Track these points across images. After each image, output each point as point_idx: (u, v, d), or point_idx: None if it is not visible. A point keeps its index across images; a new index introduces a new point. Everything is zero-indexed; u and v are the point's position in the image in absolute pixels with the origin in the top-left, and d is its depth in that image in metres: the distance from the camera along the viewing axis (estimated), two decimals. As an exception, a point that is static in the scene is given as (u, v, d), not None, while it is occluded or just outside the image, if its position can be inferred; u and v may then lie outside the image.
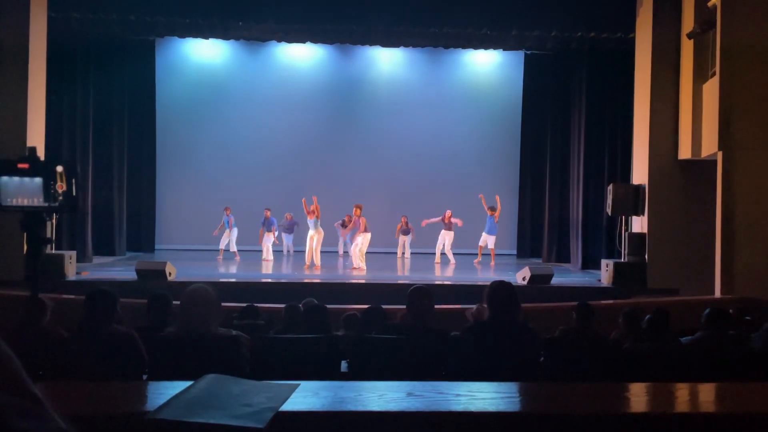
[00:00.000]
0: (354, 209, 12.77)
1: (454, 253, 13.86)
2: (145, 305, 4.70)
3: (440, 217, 13.80)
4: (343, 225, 14.17)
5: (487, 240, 13.69)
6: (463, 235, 14.26)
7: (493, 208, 13.56)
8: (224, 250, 13.88)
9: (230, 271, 12.43)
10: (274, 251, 13.80)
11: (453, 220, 13.68)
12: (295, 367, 3.77)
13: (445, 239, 13.80)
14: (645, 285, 10.27)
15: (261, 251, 13.69)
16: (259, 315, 5.63)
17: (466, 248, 14.41)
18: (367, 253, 12.79)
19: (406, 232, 14.33)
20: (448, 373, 3.68)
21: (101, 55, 13.56)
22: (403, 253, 14.38)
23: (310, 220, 12.90)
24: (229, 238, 13.87)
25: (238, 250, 13.87)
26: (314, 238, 12.73)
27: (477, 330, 3.81)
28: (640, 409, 1.72)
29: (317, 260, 12.71)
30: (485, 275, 12.10)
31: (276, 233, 13.80)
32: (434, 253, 13.99)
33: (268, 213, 13.71)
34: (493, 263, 13.59)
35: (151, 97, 15.06)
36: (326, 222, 13.60)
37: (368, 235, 12.64)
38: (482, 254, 13.99)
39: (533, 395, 1.81)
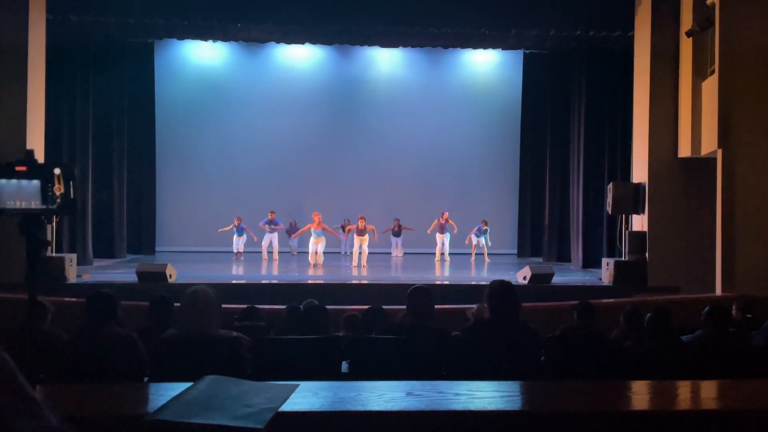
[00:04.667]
0: (360, 221, 12.99)
1: (452, 253, 14.03)
2: (145, 307, 4.70)
3: (436, 221, 14.03)
4: (343, 228, 14.32)
5: (477, 239, 14.05)
6: (461, 234, 14.34)
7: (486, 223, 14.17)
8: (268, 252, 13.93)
9: (231, 273, 12.43)
10: (279, 252, 14.01)
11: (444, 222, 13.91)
12: (295, 369, 3.76)
13: (443, 239, 13.97)
14: (646, 283, 10.26)
15: (261, 252, 13.96)
16: (259, 316, 5.62)
17: (465, 248, 14.45)
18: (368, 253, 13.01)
19: (397, 234, 14.39)
20: (448, 372, 3.67)
21: (100, 58, 13.56)
22: (397, 255, 14.46)
23: (315, 230, 13.03)
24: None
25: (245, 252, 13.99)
26: (318, 243, 12.94)
27: (477, 329, 3.81)
28: (641, 407, 1.71)
29: (320, 260, 12.90)
30: (485, 275, 12.12)
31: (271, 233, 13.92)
32: (432, 253, 14.13)
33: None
34: (486, 260, 13.90)
35: (151, 99, 15.06)
36: (328, 224, 13.70)
37: (362, 236, 12.89)
38: (476, 253, 14.16)
39: (533, 394, 1.80)
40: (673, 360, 4.04)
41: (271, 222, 13.83)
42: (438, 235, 14.07)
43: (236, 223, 13.88)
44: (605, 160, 13.46)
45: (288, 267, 13.14)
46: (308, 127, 15.73)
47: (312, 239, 13.07)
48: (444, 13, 11.50)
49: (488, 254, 14.13)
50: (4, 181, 1.42)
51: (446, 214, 14.02)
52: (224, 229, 13.96)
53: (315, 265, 12.82)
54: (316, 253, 12.95)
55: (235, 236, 13.94)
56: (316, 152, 15.76)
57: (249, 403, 1.43)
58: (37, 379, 2.81)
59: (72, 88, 13.12)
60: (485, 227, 14.13)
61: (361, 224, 12.98)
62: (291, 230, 14.50)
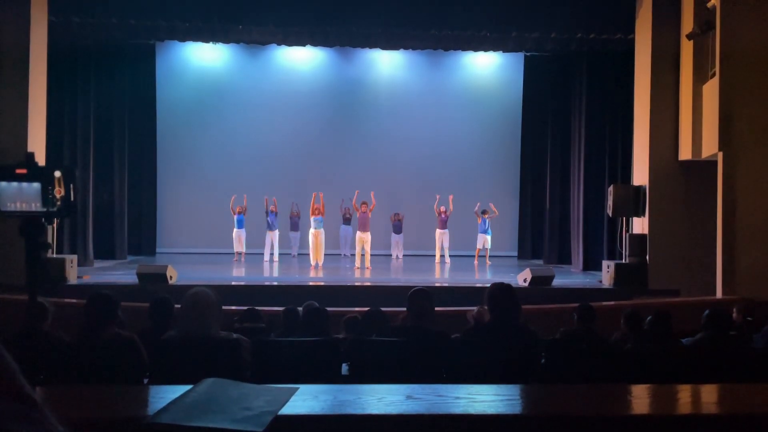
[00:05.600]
0: (363, 205, 12.98)
1: (452, 255, 13.98)
2: (146, 309, 4.70)
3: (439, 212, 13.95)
4: (346, 221, 14.16)
5: (486, 240, 13.88)
6: (462, 236, 14.33)
7: (486, 212, 13.92)
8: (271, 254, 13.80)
9: (231, 275, 12.43)
10: (279, 254, 13.98)
11: (444, 212, 13.83)
12: (295, 371, 3.76)
13: (443, 239, 13.90)
14: (646, 286, 10.26)
15: (262, 254, 13.90)
16: (259, 318, 5.62)
17: (465, 250, 14.45)
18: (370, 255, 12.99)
19: (398, 230, 14.25)
20: (449, 375, 3.67)
21: (102, 59, 13.58)
22: (397, 255, 14.41)
23: (315, 218, 12.99)
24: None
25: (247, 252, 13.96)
26: (317, 236, 12.90)
27: (478, 332, 3.81)
28: (641, 411, 1.71)
29: (320, 260, 12.89)
30: (485, 277, 12.11)
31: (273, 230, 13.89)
32: (433, 255, 14.10)
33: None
34: (488, 263, 13.82)
35: (152, 101, 15.07)
36: (329, 222, 13.68)
37: (364, 235, 12.83)
38: (479, 255, 14.14)
39: (533, 397, 1.80)
40: (674, 363, 4.04)
41: (272, 213, 13.74)
42: (438, 232, 13.98)
43: (239, 210, 13.80)
44: (606, 163, 13.47)
45: (288, 269, 13.14)
46: (309, 129, 15.74)
47: (311, 231, 13.01)
48: (445, 16, 11.50)
49: (489, 256, 14.12)
50: (4, 183, 1.43)
51: (443, 208, 13.94)
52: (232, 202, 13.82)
53: (316, 266, 12.80)
54: (317, 251, 12.90)
55: (235, 229, 13.84)
56: (317, 154, 15.77)
57: (249, 406, 1.43)
58: (37, 381, 2.81)
59: (73, 89, 13.13)
60: (486, 216, 13.93)
61: (363, 208, 12.96)
62: (293, 216, 14.39)
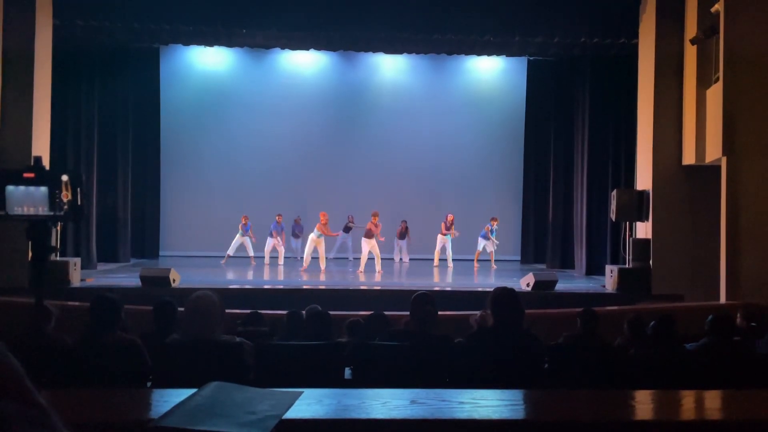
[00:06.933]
0: (372, 217, 12.96)
1: (455, 259, 14.00)
2: (149, 312, 4.71)
3: (443, 223, 14.03)
4: (346, 229, 14.30)
5: (486, 244, 14.03)
6: (463, 240, 14.34)
7: (494, 219, 14.18)
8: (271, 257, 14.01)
9: (234, 278, 12.44)
10: (284, 257, 14.13)
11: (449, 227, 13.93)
12: (298, 374, 3.76)
13: (444, 243, 13.95)
14: (649, 291, 10.24)
15: (264, 257, 14.00)
16: (263, 322, 5.62)
17: (467, 254, 14.45)
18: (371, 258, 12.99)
19: (402, 236, 14.39)
20: (452, 379, 3.67)
21: (106, 63, 13.63)
22: (401, 259, 14.47)
23: (317, 231, 13.02)
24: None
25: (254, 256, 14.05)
26: (319, 244, 12.89)
27: (481, 336, 3.81)
28: (645, 417, 1.71)
29: (322, 265, 12.87)
30: (489, 281, 12.10)
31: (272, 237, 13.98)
32: (432, 258, 14.14)
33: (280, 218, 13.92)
34: (493, 267, 13.89)
35: (156, 105, 15.11)
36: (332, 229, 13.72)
37: (369, 240, 12.87)
38: (482, 259, 14.18)
39: (537, 402, 1.80)
40: (677, 368, 4.03)
41: (278, 225, 13.85)
42: (440, 237, 14.03)
43: (243, 221, 13.82)
44: (609, 167, 13.46)
45: (291, 272, 13.13)
46: (312, 133, 15.76)
47: (311, 237, 12.96)
48: (448, 20, 11.52)
49: (494, 260, 14.14)
50: (12, 187, 1.43)
51: (451, 217, 14.01)
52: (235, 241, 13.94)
53: (317, 270, 12.77)
54: (318, 257, 12.89)
55: (238, 235, 13.81)
56: (320, 158, 15.79)
57: (253, 410, 1.43)
58: (40, 384, 2.82)
59: (77, 93, 13.18)
60: (495, 225, 14.05)
61: (374, 219, 12.93)
62: (296, 227, 14.51)
